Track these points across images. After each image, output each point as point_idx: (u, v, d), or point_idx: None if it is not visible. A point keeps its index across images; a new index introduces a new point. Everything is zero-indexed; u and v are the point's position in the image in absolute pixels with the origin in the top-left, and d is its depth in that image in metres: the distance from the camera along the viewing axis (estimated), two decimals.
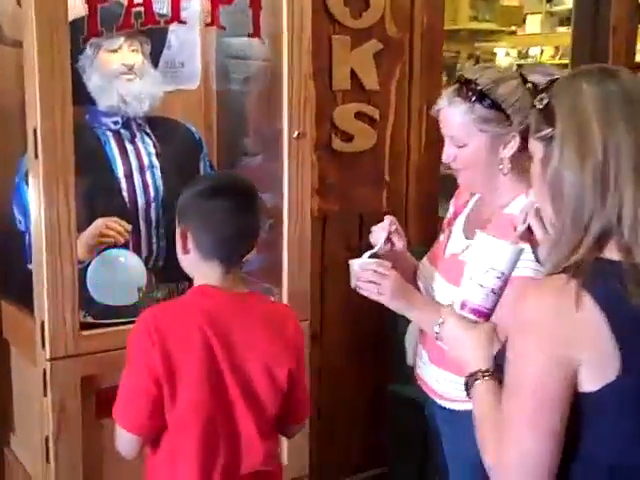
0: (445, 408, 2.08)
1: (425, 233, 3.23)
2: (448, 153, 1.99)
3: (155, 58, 2.45)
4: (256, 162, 2.73)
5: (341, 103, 2.97)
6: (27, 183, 2.25)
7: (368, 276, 1.98)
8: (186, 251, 1.82)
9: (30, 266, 2.28)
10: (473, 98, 1.89)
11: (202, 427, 1.75)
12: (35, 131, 1.97)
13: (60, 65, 1.96)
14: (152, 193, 2.39)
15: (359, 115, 3.00)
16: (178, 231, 1.84)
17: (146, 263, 2.36)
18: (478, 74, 1.93)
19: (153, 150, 2.41)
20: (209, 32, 2.63)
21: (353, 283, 2.02)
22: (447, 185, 3.51)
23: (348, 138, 3.01)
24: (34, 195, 2.02)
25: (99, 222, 2.23)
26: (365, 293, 2.00)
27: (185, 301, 1.84)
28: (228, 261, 1.82)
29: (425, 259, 2.16)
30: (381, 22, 2.99)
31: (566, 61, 7.92)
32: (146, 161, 2.39)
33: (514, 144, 1.92)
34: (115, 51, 2.30)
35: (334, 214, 3.03)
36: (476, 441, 2.00)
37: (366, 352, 3.17)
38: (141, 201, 2.37)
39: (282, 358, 1.85)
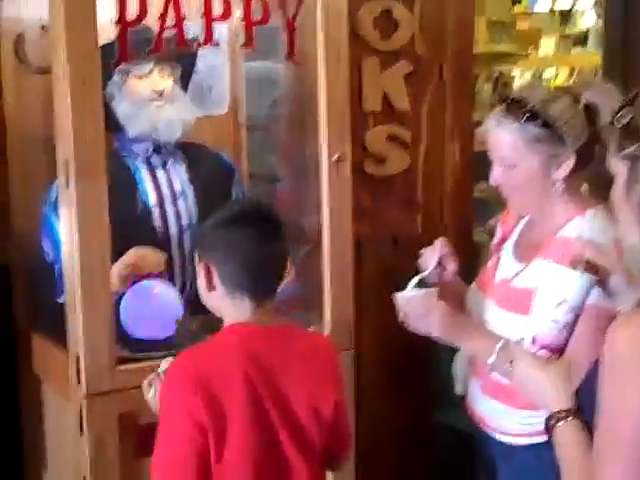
0: (502, 442, 1.99)
1: (460, 257, 3.14)
2: (496, 176, 1.91)
3: (184, 82, 2.39)
4: (288, 187, 2.67)
5: (372, 125, 2.90)
6: (56, 213, 2.20)
7: (415, 310, 1.89)
8: (212, 287, 1.72)
9: (60, 299, 2.22)
10: (524, 117, 1.82)
11: (254, 475, 1.65)
12: (67, 162, 1.91)
13: (92, 93, 1.91)
14: (185, 221, 2.32)
15: (391, 138, 2.93)
16: (200, 267, 1.72)
17: (179, 293, 2.28)
18: (528, 93, 1.86)
19: (185, 177, 2.35)
20: (237, 56, 2.58)
21: (400, 318, 1.94)
22: (479, 208, 3.47)
23: (380, 161, 2.93)
24: (66, 226, 1.96)
25: (133, 252, 2.15)
26: (415, 330, 1.91)
27: (220, 342, 1.73)
28: (257, 294, 1.70)
29: (474, 284, 2.08)
30: (411, 43, 2.92)
31: None
32: (178, 188, 2.33)
33: (568, 164, 1.85)
34: (145, 77, 2.24)
35: (368, 238, 2.95)
36: (535, 477, 1.93)
37: (406, 380, 3.08)
38: (173, 230, 2.30)
39: (326, 391, 1.75)
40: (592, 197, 1.94)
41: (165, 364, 1.79)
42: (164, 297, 2.19)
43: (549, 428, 1.41)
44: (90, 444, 1.98)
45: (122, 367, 2.01)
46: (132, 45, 1.97)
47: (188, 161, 2.36)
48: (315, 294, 2.34)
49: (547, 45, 7.29)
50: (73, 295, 1.96)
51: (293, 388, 1.69)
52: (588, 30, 7.39)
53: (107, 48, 2.02)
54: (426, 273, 1.95)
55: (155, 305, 2.17)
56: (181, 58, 2.27)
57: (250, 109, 2.63)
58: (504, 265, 1.99)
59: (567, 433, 1.38)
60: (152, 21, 2.02)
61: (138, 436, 2.03)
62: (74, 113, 1.88)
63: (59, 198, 2.02)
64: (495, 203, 4.20)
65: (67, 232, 1.95)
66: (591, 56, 6.25)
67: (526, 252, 1.94)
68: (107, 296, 1.96)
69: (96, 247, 1.93)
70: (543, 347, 1.47)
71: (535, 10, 6.94)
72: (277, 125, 2.61)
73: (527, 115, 1.81)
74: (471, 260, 3.20)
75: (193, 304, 2.28)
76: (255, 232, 1.68)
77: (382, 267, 3.00)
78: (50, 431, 2.34)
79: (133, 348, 2.11)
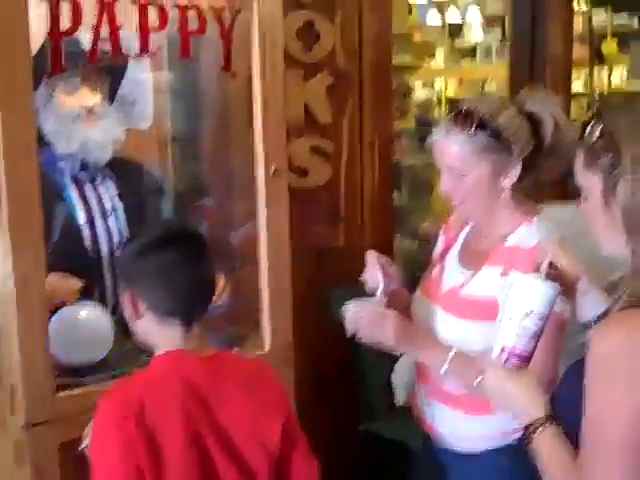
0: (452, 450, 1.99)
1: None
2: (447, 185, 1.91)
3: (110, 96, 2.30)
4: (216, 201, 2.62)
5: (295, 137, 2.88)
6: None
7: (367, 321, 1.87)
8: (139, 315, 1.63)
9: None
10: (473, 127, 1.84)
11: None
12: None
13: (24, 106, 1.79)
14: (116, 239, 2.24)
15: (313, 150, 2.92)
16: (126, 297, 1.64)
17: (112, 313, 2.19)
18: (476, 103, 1.88)
19: (115, 193, 2.27)
20: (161, 67, 2.51)
21: (350, 330, 1.89)
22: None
23: (303, 173, 2.92)
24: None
25: (49, 279, 2.03)
26: (367, 340, 1.88)
27: (153, 373, 1.63)
28: (189, 318, 1.63)
29: (418, 292, 2.07)
30: (332, 55, 2.93)
31: (471, 93, 8.10)
32: (108, 205, 2.25)
33: (514, 173, 1.88)
34: (73, 92, 2.15)
35: (292, 252, 2.92)
36: None
37: (332, 392, 3.06)
38: (104, 248, 2.22)
39: (271, 420, 1.67)
40: (531, 202, 1.97)
41: None
42: (92, 320, 2.10)
43: (526, 436, 1.42)
44: (30, 476, 1.87)
45: (62, 394, 1.91)
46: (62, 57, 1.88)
47: (117, 177, 2.28)
48: (250, 310, 2.29)
49: (439, 57, 7.48)
50: (7, 321, 1.84)
51: (235, 421, 1.62)
52: (477, 44, 7.63)
53: (35, 59, 1.92)
54: (380, 290, 1.92)
55: (83, 329, 2.07)
56: (111, 71, 2.18)
57: (176, 122, 2.56)
58: (450, 274, 2.00)
59: (547, 440, 1.38)
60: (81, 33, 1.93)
61: (78, 464, 1.94)
62: (4, 126, 1.76)
63: None
64: (413, 211, 4.28)
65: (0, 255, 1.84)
66: (498, 67, 6.42)
67: (472, 260, 1.96)
68: (44, 321, 1.86)
69: (32, 270, 1.82)
70: (513, 356, 1.47)
71: (427, 23, 7.08)
72: (204, 138, 2.56)
73: (476, 125, 1.83)
74: None
75: (127, 324, 2.21)
76: (179, 256, 1.61)
77: (307, 281, 2.98)
78: None
79: (67, 374, 2.01)
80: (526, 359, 1.46)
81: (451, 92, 8.02)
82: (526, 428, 1.41)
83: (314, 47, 2.87)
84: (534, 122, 1.88)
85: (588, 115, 1.40)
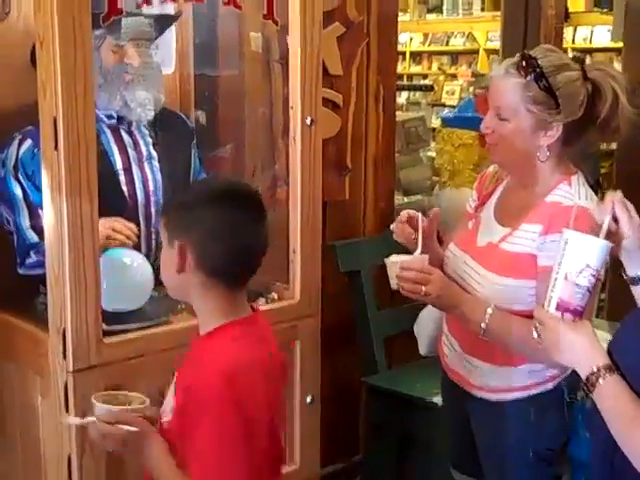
0: (482, 398, 2.05)
1: (382, 221, 3.21)
2: (488, 124, 1.94)
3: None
4: (230, 152, 2.62)
5: None
6: (16, 177, 2.07)
7: (412, 276, 1.90)
8: (182, 269, 1.52)
9: (21, 270, 2.10)
10: (530, 76, 1.86)
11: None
12: (55, 120, 1.77)
13: (84, 41, 1.76)
14: (151, 186, 2.23)
15: (323, 101, 2.92)
16: (174, 247, 1.51)
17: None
18: (542, 55, 1.89)
19: (150, 140, 2.25)
20: (185, 12, 2.48)
21: (394, 284, 1.93)
22: None
23: None
24: (52, 191, 1.82)
25: (103, 223, 2.00)
26: (409, 294, 1.91)
27: (237, 348, 1.54)
28: (235, 281, 1.56)
29: (453, 247, 2.11)
30: (343, 5, 2.92)
31: (436, 48, 8.16)
32: (144, 152, 2.23)
33: (555, 133, 1.90)
34: (120, 48, 2.12)
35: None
36: (512, 429, 2.02)
37: (334, 345, 3.10)
38: (140, 195, 2.21)
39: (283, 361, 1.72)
40: (570, 165, 2.01)
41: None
42: (136, 266, 2.10)
43: (590, 384, 1.47)
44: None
45: (108, 340, 1.92)
46: None
47: (152, 124, 2.25)
48: (280, 261, 2.31)
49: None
50: (59, 264, 1.83)
51: (277, 382, 1.64)
52: None
53: None
54: (419, 249, 1.95)
55: (128, 275, 2.08)
56: (159, 24, 2.17)
57: (201, 68, 2.54)
58: (487, 228, 2.04)
59: (611, 387, 1.43)
60: None
61: None
62: (63, 67, 1.74)
63: (41, 159, 1.86)
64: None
65: (52, 197, 1.82)
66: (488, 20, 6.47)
67: (509, 216, 1.99)
68: (95, 264, 1.85)
69: (86, 213, 1.82)
70: (567, 311, 1.52)
71: None
72: (232, 86, 2.55)
73: (534, 75, 1.85)
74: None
75: (157, 271, 2.20)
76: (244, 214, 1.52)
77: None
78: (10, 411, 2.18)
79: (109, 321, 2.00)
80: (580, 314, 1.51)
81: (416, 47, 8.08)
82: (587, 378, 1.46)
83: None
84: (595, 93, 1.89)
85: None
